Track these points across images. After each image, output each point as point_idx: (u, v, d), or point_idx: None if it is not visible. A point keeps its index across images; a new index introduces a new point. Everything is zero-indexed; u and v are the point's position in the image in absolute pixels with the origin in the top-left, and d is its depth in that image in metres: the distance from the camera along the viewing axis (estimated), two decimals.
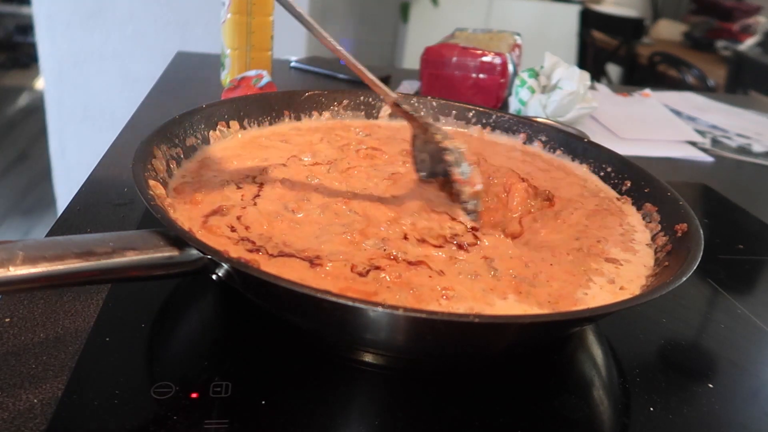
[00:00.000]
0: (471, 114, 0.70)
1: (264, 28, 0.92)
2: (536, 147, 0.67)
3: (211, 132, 0.57)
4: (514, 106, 0.99)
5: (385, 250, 0.43)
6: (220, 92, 0.89)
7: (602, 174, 0.61)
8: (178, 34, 1.60)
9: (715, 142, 1.05)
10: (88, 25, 1.56)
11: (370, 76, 0.49)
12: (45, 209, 2.19)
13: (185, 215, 0.45)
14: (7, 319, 0.40)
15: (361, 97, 0.69)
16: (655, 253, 0.48)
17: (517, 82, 0.97)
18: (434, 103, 0.70)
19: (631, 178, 0.57)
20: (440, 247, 0.45)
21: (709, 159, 0.96)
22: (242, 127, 0.61)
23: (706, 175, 0.90)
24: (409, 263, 0.42)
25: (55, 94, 1.63)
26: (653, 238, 0.50)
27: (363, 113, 0.70)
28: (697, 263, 0.40)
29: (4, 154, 2.52)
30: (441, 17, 3.37)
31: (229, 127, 0.59)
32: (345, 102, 0.69)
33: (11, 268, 0.31)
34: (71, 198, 0.58)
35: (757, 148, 1.05)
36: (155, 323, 0.41)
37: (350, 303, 0.31)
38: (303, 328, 0.41)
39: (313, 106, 0.67)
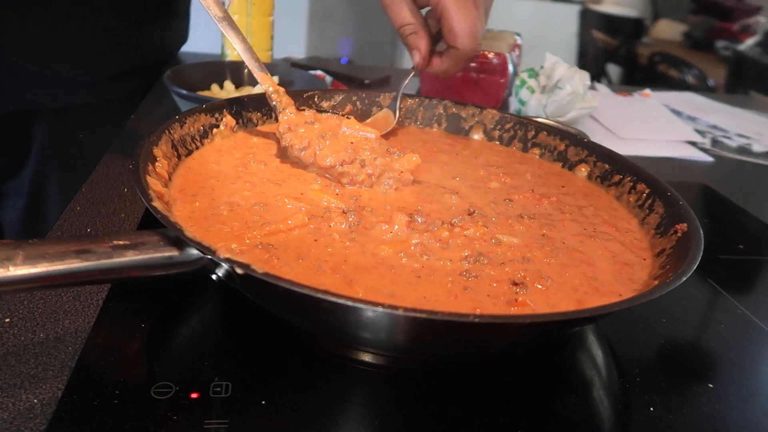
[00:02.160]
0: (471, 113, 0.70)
1: (264, 28, 0.92)
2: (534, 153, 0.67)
3: (211, 132, 0.57)
4: (514, 106, 0.99)
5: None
6: None
7: (602, 174, 0.60)
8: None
9: (715, 142, 1.05)
10: None
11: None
12: None
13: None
14: (7, 319, 0.40)
15: (362, 96, 0.69)
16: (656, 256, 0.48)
17: (517, 82, 0.97)
18: (434, 103, 0.70)
19: (631, 178, 0.57)
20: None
21: (709, 159, 0.97)
22: (242, 126, 0.61)
23: (706, 175, 0.90)
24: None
25: None
26: (652, 239, 0.50)
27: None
28: (697, 263, 0.40)
29: None
30: None
31: (229, 126, 0.59)
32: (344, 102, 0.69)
33: (11, 268, 0.31)
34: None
35: (757, 148, 1.05)
36: (155, 323, 0.41)
37: (350, 303, 0.31)
38: (303, 328, 0.41)
39: (312, 106, 0.67)
